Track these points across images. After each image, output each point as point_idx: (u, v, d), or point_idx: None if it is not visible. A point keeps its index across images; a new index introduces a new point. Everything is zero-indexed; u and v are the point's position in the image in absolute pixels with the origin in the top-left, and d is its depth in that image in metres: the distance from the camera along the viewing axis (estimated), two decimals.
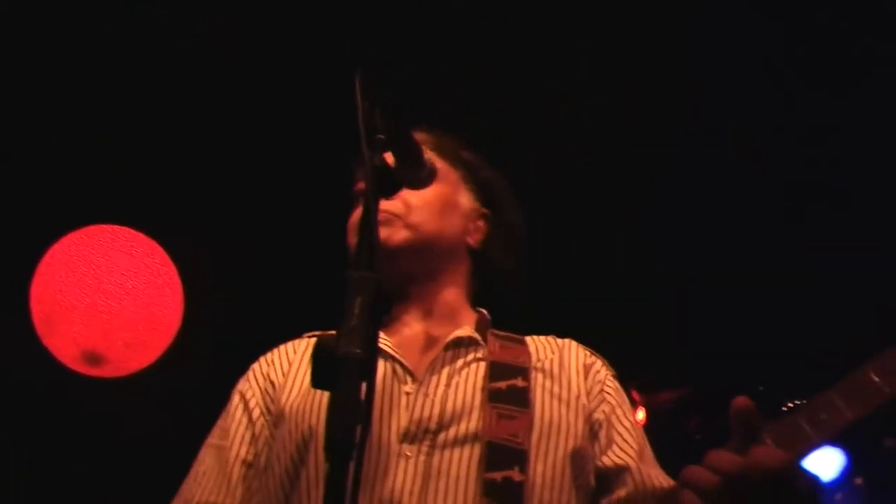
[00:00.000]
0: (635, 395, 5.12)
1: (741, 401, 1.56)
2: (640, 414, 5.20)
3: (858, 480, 5.16)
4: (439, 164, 2.11)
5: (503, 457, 1.92)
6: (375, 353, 1.40)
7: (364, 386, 1.36)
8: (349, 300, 1.42)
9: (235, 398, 2.14)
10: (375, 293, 1.44)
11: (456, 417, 1.96)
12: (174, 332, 4.47)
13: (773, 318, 4.95)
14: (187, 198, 4.60)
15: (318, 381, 1.40)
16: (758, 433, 1.56)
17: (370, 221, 1.53)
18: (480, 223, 2.30)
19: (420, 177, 1.84)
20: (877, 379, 1.53)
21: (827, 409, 1.54)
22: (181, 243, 4.51)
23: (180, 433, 2.63)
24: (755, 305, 4.94)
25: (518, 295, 2.34)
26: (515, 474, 1.90)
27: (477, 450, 1.92)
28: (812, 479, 1.55)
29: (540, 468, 1.94)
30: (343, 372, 1.34)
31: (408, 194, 2.08)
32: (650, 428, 4.25)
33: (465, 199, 2.29)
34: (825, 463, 5.09)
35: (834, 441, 1.57)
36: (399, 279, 2.13)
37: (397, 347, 2.08)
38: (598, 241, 4.77)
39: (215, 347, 4.47)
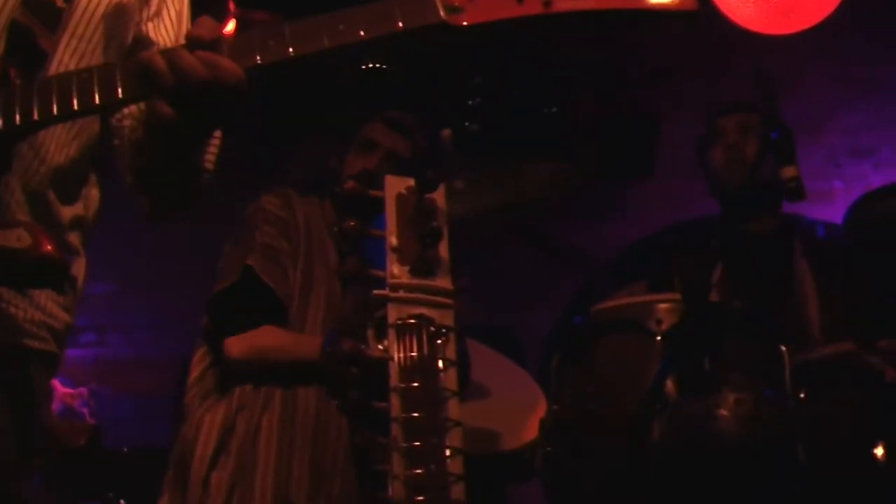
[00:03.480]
0: (231, 5, 5.04)
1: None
2: (230, 25, 5.14)
3: None
4: None
5: None
6: None
7: None
8: None
9: None
10: None
11: None
12: None
13: None
14: None
15: None
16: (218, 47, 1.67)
17: None
18: None
19: None
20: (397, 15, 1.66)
21: (347, 22, 1.66)
22: None
23: None
24: None
25: None
26: (59, 1, 1.93)
27: None
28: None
29: (83, 3, 1.97)
30: None
31: None
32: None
33: None
34: None
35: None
36: None
37: None
38: None
39: None
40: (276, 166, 4.03)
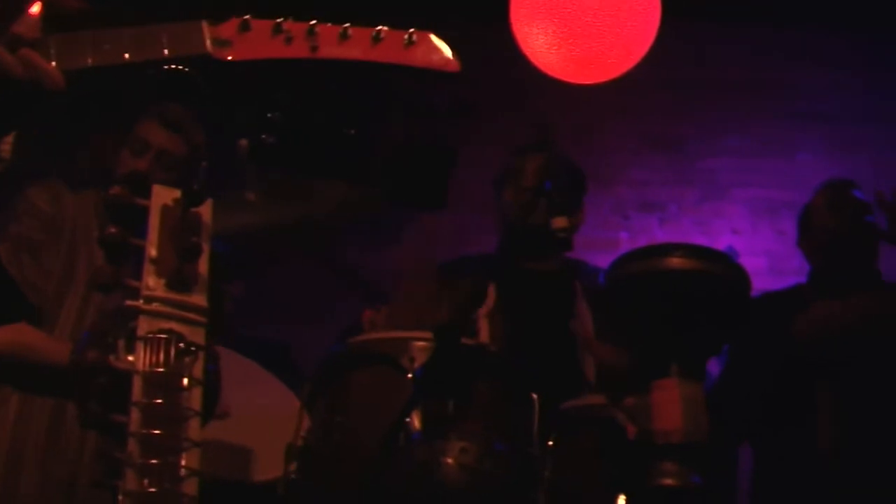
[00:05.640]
0: None
1: None
2: (36, 7, 4.97)
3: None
4: None
5: None
6: None
7: None
8: None
9: None
10: None
11: None
12: None
13: None
14: None
15: None
16: None
17: None
18: None
19: None
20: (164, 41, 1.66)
21: (113, 42, 1.67)
22: None
23: None
24: None
25: None
26: None
27: None
28: None
29: None
30: None
31: None
32: None
33: None
34: None
35: None
36: None
37: None
38: None
39: None
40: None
